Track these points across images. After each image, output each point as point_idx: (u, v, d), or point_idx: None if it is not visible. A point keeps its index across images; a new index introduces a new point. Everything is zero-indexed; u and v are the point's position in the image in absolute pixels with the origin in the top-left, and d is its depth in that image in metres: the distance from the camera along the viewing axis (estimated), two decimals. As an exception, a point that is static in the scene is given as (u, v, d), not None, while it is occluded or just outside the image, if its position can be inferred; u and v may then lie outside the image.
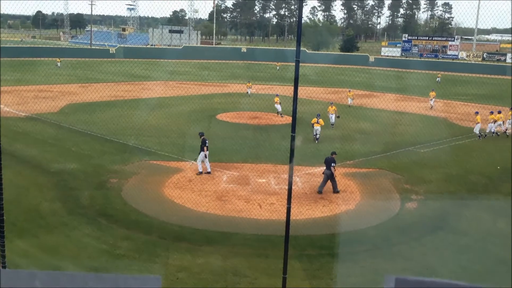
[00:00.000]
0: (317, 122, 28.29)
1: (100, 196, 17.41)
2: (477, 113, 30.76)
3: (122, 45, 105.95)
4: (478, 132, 29.91)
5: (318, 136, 28.42)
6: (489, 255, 13.77)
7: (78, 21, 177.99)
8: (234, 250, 13.56)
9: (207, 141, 20.34)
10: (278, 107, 35.46)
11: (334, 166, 18.55)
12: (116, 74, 60.01)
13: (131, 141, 25.44)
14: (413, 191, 19.43)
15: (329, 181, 18.63)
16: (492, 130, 30.38)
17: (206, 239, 14.23)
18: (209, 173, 20.32)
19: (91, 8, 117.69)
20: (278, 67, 76.71)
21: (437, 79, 65.04)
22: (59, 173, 19.85)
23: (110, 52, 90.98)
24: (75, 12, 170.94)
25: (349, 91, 42.16)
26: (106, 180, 19.22)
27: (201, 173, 20.25)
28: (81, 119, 30.87)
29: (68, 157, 22.43)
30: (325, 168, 18.74)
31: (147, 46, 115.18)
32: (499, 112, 31.46)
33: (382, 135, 29.75)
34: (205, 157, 20.23)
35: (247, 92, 45.89)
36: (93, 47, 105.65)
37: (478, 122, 30.00)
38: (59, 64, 69.46)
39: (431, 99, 41.73)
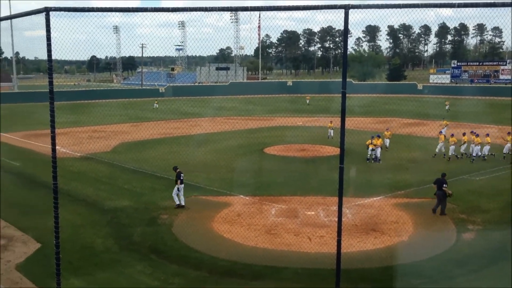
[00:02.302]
0: (371, 143, 29.96)
1: (151, 232, 17.68)
2: (441, 132, 32.78)
3: (171, 84, 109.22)
4: (437, 150, 31.54)
5: (377, 157, 29.89)
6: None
7: (129, 63, 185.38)
8: (284, 285, 13.36)
9: (182, 175, 20.46)
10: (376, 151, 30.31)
11: (446, 187, 19.15)
12: (165, 112, 61.66)
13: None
14: (469, 221, 18.65)
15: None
16: (453, 153, 30.88)
17: (256, 274, 14.09)
18: (183, 206, 20.28)
19: (142, 50, 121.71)
20: (308, 101, 75.22)
21: (446, 107, 61.82)
22: (112, 211, 20.36)
23: (160, 91, 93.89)
24: (127, 55, 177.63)
25: (387, 129, 35.75)
26: (157, 216, 19.54)
27: (178, 205, 20.34)
28: (133, 157, 31.75)
29: (120, 194, 23.03)
30: (436, 189, 19.37)
31: (195, 84, 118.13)
32: (473, 134, 31.45)
33: (434, 163, 28.94)
34: (178, 190, 20.38)
35: (329, 135, 39.17)
36: (143, 87, 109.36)
37: (441, 142, 31.52)
38: (156, 105, 70.48)
39: (443, 128, 38.10)
